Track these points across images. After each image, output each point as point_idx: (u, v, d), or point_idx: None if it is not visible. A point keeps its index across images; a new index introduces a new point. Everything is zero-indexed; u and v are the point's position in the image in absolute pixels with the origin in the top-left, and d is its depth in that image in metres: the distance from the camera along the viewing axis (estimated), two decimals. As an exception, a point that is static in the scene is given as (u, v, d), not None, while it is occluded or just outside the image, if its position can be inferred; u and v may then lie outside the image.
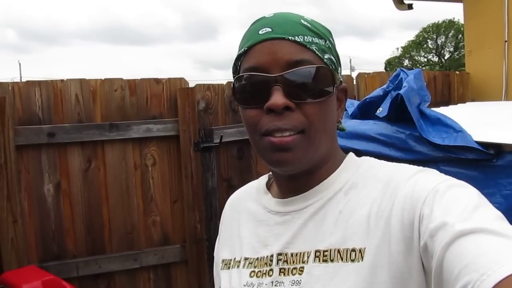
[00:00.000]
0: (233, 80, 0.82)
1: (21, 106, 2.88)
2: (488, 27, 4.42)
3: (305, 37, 0.77)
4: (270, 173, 0.92)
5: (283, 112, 0.74)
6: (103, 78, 3.10)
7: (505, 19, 4.17)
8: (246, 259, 0.85)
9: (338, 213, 0.77)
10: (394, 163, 0.81)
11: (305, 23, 0.79)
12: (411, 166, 0.77)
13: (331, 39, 0.83)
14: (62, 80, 3.00)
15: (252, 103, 0.78)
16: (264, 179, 0.95)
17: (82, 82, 3.03)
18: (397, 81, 2.21)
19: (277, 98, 0.73)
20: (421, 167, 0.76)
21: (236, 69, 0.83)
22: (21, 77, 37.34)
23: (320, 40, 0.79)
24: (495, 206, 0.65)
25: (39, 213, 2.94)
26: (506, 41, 4.18)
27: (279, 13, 0.81)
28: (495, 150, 1.84)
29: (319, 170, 0.82)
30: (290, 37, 0.76)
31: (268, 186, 0.93)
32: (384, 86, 2.31)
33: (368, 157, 0.86)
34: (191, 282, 3.30)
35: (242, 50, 0.79)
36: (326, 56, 0.78)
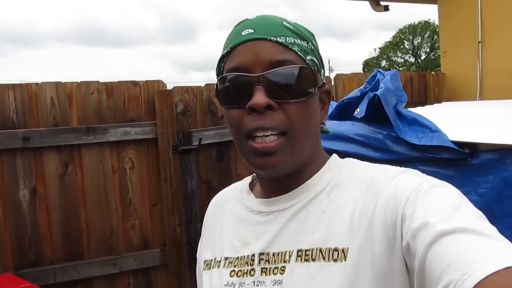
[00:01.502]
0: (216, 82, 0.82)
1: (-5, 110, 2.82)
2: (462, 28, 4.51)
3: (287, 38, 0.77)
4: (254, 174, 0.92)
5: (265, 111, 0.74)
6: (79, 81, 3.05)
7: (478, 20, 4.25)
8: (226, 258, 0.85)
9: (321, 212, 0.77)
10: (377, 164, 0.81)
11: (288, 25, 0.79)
12: (393, 167, 0.78)
13: (313, 41, 0.83)
14: (37, 83, 2.94)
15: (235, 103, 0.78)
16: (247, 180, 0.95)
17: (57, 85, 2.98)
18: (374, 82, 2.23)
19: (259, 97, 0.74)
20: (403, 168, 0.77)
21: (219, 71, 0.83)
22: (-6, 80, 36.56)
23: (302, 42, 0.79)
24: (470, 204, 0.66)
25: (14, 219, 2.87)
26: (479, 42, 4.27)
27: (261, 15, 0.82)
28: (470, 149, 1.87)
29: (303, 172, 0.82)
30: (272, 38, 0.76)
31: (251, 187, 0.93)
32: (361, 87, 2.33)
33: (351, 159, 0.86)
34: (172, 286, 3.27)
35: (225, 51, 0.79)
36: (308, 57, 0.79)
